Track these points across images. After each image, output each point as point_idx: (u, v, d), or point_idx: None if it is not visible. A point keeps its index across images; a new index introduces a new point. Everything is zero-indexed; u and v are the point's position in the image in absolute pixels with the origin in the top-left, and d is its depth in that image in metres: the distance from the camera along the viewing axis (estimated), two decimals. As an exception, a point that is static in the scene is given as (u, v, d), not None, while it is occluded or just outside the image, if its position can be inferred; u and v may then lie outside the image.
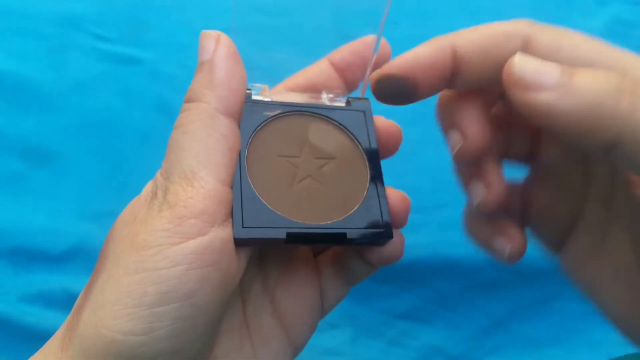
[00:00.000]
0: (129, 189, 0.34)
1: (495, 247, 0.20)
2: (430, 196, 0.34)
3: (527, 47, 0.16)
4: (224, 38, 0.20)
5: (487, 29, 0.17)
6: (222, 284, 0.17)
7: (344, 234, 0.19)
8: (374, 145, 0.22)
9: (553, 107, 0.14)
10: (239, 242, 0.18)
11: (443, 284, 0.33)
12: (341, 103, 0.23)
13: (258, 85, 0.23)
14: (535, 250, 0.32)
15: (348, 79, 0.23)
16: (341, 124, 0.22)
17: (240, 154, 0.19)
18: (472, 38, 0.17)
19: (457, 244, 0.33)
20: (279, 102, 0.22)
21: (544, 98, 0.14)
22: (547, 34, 0.16)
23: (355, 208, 0.20)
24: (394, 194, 0.21)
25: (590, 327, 0.32)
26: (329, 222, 0.19)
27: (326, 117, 0.22)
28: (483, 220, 0.20)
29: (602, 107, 0.14)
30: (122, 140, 0.35)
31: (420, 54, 0.17)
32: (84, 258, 0.33)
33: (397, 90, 0.18)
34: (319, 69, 0.23)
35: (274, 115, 0.22)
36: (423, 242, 0.32)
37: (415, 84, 0.18)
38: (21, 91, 0.35)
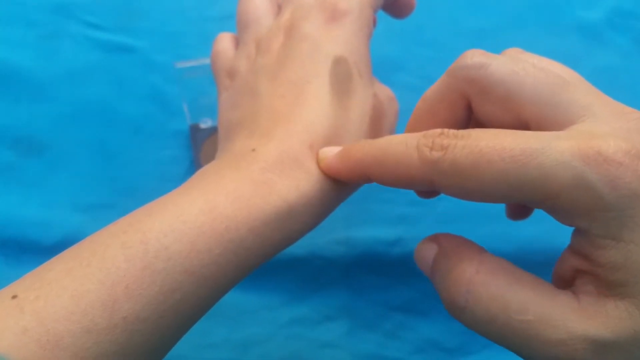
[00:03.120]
0: (122, 180, 0.33)
1: None
2: (427, 188, 0.34)
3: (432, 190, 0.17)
4: None
5: (392, 166, 0.18)
6: None
7: None
8: None
9: None
10: None
11: (440, 277, 0.32)
12: None
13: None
14: (531, 243, 0.32)
15: None
16: None
17: None
18: (381, 172, 0.18)
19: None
20: None
21: None
22: (449, 181, 0.16)
23: None
24: None
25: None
26: None
27: None
28: None
29: None
30: (114, 131, 0.34)
31: (335, 168, 0.20)
32: (77, 250, 0.32)
33: None
34: None
35: None
36: (421, 235, 0.32)
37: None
38: (11, 80, 0.34)
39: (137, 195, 0.33)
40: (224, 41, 0.26)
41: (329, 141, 0.20)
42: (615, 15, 0.38)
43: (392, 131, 0.24)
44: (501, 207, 0.33)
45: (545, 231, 0.32)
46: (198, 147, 0.34)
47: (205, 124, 0.35)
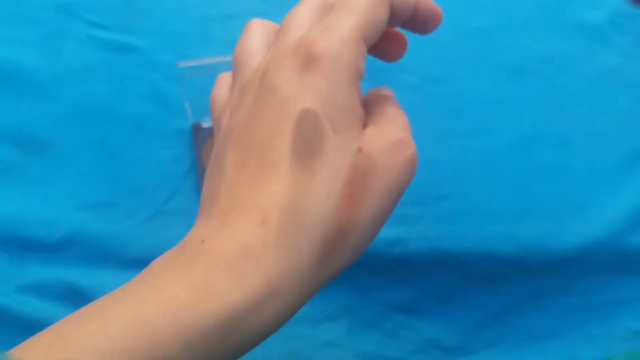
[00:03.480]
0: (124, 178, 0.34)
1: None
2: (428, 189, 0.34)
3: None
4: None
5: None
6: None
7: None
8: None
9: None
10: None
11: (440, 277, 0.32)
12: None
13: None
14: (533, 244, 0.32)
15: None
16: None
17: None
18: None
19: (455, 237, 0.32)
20: None
21: None
22: None
23: None
24: None
25: (587, 320, 0.32)
26: None
27: None
28: None
29: None
30: (117, 129, 0.34)
31: None
32: (79, 247, 0.32)
33: None
34: None
35: None
36: (421, 235, 0.32)
37: None
38: (15, 78, 0.34)
39: (138, 193, 0.34)
40: (220, 84, 0.23)
41: (287, 212, 0.17)
42: (618, 16, 0.38)
43: (395, 190, 0.19)
44: (504, 207, 0.33)
45: (547, 231, 0.32)
46: (200, 146, 0.35)
47: (207, 123, 0.35)
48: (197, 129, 0.35)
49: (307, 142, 0.18)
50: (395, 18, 0.21)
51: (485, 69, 0.35)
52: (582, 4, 0.38)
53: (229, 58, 0.30)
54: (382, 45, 0.23)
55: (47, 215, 0.33)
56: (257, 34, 0.22)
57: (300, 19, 0.20)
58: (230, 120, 0.20)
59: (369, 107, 0.21)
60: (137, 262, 0.32)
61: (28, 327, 0.31)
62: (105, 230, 0.33)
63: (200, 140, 0.35)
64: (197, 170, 0.34)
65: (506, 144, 0.34)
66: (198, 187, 0.34)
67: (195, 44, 0.35)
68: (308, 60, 0.18)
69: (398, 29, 0.23)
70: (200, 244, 0.17)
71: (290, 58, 0.19)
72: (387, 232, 0.32)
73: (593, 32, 0.37)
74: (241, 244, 0.17)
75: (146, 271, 0.18)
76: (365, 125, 0.20)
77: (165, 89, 0.35)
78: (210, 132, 0.35)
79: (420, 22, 0.22)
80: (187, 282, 0.16)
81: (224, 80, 0.24)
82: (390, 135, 0.19)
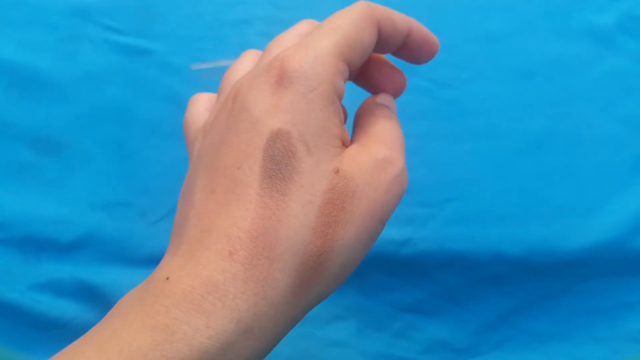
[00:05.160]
0: (138, 178, 0.34)
1: None
2: (437, 191, 0.34)
3: None
4: None
5: None
6: None
7: None
8: None
9: None
10: None
11: (449, 278, 0.33)
12: None
13: None
14: (541, 246, 0.33)
15: None
16: None
17: None
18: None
19: (464, 238, 0.33)
20: None
21: None
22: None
23: None
24: None
25: (595, 323, 0.32)
26: None
27: None
28: None
29: None
30: (131, 131, 0.35)
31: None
32: (94, 247, 0.33)
33: None
34: None
35: None
36: (430, 236, 0.33)
37: None
38: (32, 82, 0.35)
39: (152, 193, 0.34)
40: (194, 106, 0.22)
41: (256, 241, 0.16)
42: (626, 19, 0.38)
43: (379, 211, 0.18)
44: (512, 209, 0.34)
45: (555, 233, 0.33)
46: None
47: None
48: (209, 131, 0.35)
49: (279, 163, 0.17)
50: (387, 43, 0.20)
51: (494, 73, 0.35)
52: (590, 7, 0.38)
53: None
54: (379, 81, 0.23)
55: (62, 215, 0.33)
56: (247, 60, 0.22)
57: (285, 42, 0.20)
58: (202, 142, 0.19)
59: (359, 122, 0.20)
60: (151, 261, 0.33)
61: (42, 324, 0.31)
62: (119, 230, 0.33)
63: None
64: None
65: (514, 146, 0.34)
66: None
67: (208, 48, 0.36)
68: (281, 77, 0.17)
69: (399, 69, 0.23)
70: (164, 282, 0.16)
71: (263, 75, 0.18)
72: (396, 233, 0.33)
73: (601, 36, 0.38)
74: (206, 279, 0.16)
75: (111, 312, 0.17)
76: (350, 143, 0.19)
77: (179, 91, 0.35)
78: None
79: (414, 51, 0.21)
80: (149, 326, 0.15)
81: (199, 102, 0.23)
82: (373, 154, 0.18)
